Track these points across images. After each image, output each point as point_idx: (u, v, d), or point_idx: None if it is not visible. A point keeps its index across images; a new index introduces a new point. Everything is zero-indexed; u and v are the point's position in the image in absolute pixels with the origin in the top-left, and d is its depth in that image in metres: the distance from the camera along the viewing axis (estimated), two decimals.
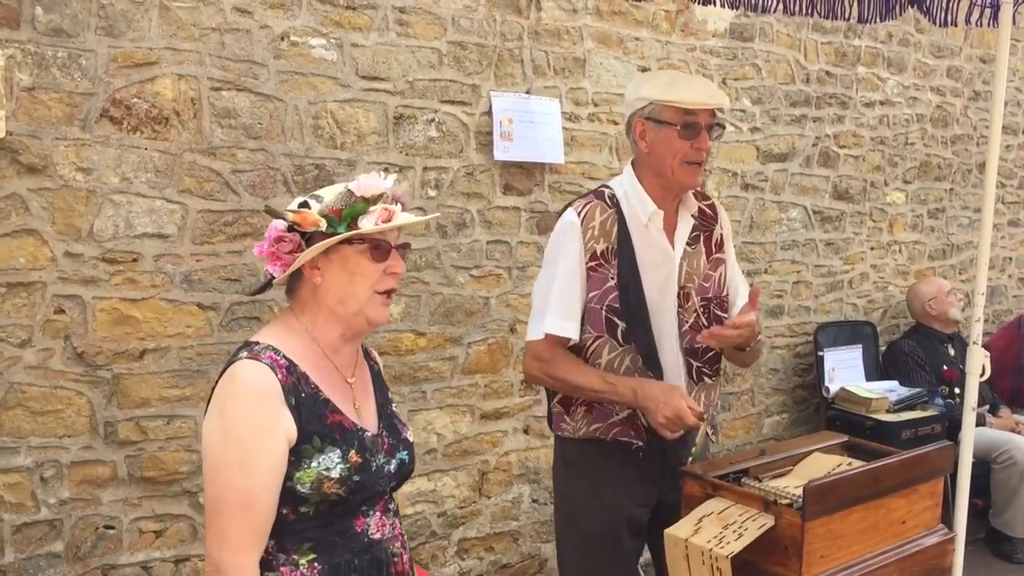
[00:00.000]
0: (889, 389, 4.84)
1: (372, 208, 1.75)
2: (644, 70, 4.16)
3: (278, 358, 1.72)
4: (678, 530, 2.06)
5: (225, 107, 3.11)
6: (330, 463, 1.70)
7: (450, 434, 3.74)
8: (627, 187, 2.48)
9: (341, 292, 1.77)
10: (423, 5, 3.51)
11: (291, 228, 1.76)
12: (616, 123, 4.09)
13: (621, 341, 2.43)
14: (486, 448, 3.87)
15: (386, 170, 1.89)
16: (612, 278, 2.42)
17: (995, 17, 2.86)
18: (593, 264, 2.41)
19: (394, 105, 3.47)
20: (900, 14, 3.10)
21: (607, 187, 2.52)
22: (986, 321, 5.75)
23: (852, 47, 5.05)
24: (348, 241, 1.75)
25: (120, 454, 3.00)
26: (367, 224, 1.73)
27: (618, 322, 2.43)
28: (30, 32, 2.76)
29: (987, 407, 5.04)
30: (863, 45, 5.10)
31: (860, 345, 5.16)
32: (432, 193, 3.60)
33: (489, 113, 3.70)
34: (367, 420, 1.84)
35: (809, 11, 3.11)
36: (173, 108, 3.01)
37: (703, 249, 2.54)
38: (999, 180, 5.88)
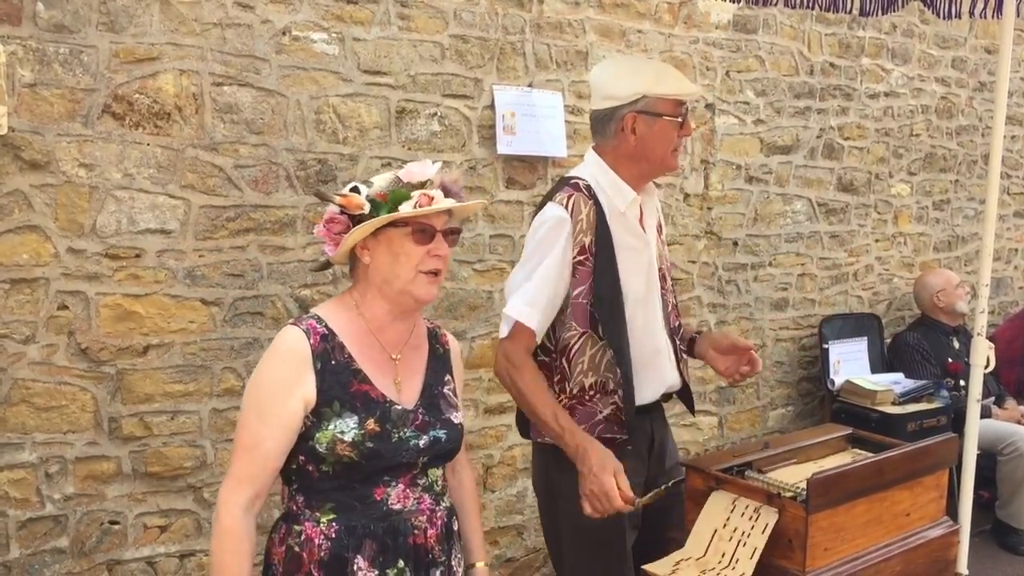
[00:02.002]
0: (894, 381, 4.83)
1: (414, 193, 1.88)
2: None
3: (318, 326, 1.89)
4: (657, 568, 2.04)
5: (227, 102, 3.11)
6: (345, 427, 1.83)
7: None
8: (599, 177, 2.44)
9: (387, 271, 1.90)
10: None
11: (342, 211, 1.92)
12: None
13: (602, 335, 2.39)
14: (490, 443, 3.87)
15: (442, 164, 1.96)
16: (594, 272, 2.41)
17: (999, 8, 2.84)
18: (580, 258, 2.37)
19: (396, 99, 3.47)
20: (902, 6, 3.09)
21: (578, 178, 2.46)
22: (991, 313, 5.74)
23: (856, 38, 5.03)
24: (394, 224, 1.88)
25: (124, 449, 3.01)
26: (406, 208, 1.86)
27: (598, 317, 2.40)
28: (31, 28, 2.76)
29: (992, 399, 5.03)
30: (867, 36, 5.08)
31: (865, 337, 5.14)
32: None
33: (492, 107, 3.69)
34: (406, 396, 1.95)
35: (811, 4, 3.10)
36: (175, 103, 3.01)
37: (657, 232, 2.61)
38: (1004, 171, 5.86)
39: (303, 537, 1.86)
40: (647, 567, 2.07)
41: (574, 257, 2.37)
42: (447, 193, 1.93)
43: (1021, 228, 6.25)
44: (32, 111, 2.78)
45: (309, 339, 1.86)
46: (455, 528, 2.05)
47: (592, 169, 2.48)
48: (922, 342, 5.03)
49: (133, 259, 2.98)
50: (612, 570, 2.43)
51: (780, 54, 4.70)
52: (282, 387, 1.83)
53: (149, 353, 3.03)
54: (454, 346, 2.15)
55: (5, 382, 2.82)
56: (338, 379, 1.87)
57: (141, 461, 3.04)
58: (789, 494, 2.03)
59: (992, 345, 2.88)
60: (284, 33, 3.20)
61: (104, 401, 2.97)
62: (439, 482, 2.00)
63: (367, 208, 1.88)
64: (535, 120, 3.78)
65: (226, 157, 3.11)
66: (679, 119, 2.42)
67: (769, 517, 1.93)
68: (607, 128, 2.46)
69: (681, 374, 2.58)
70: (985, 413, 4.59)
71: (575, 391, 2.40)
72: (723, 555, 1.99)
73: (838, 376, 4.89)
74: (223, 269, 3.14)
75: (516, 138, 3.74)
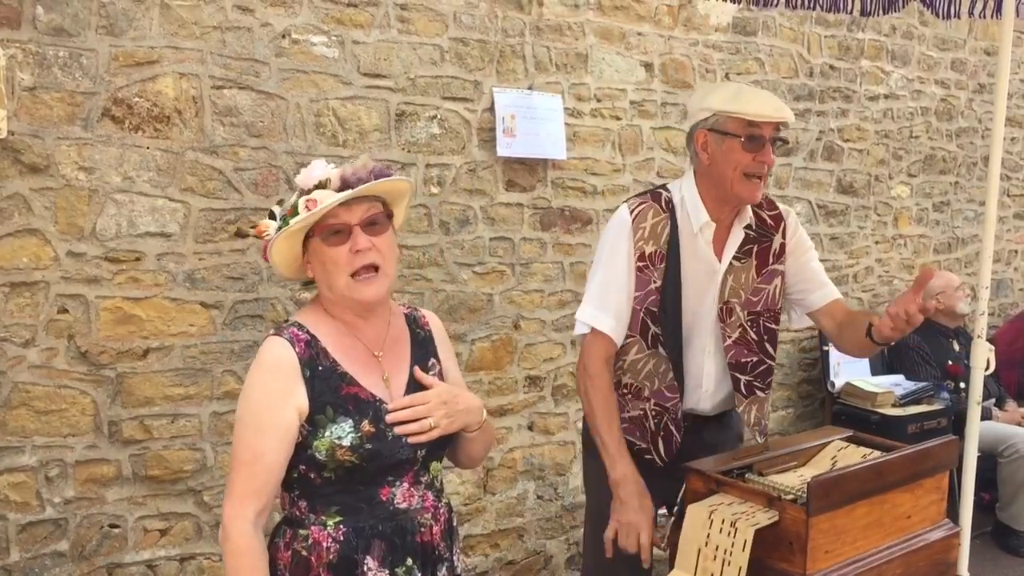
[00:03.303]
0: (895, 383, 4.83)
1: (300, 201, 1.83)
2: (647, 65, 4.15)
3: (300, 333, 1.86)
4: (702, 504, 2.05)
5: (227, 105, 3.11)
6: (342, 432, 1.81)
7: None
8: (685, 193, 2.45)
9: (324, 282, 1.88)
10: (424, 2, 3.50)
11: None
12: (618, 118, 4.08)
13: (649, 344, 2.45)
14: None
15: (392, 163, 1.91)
16: (655, 281, 2.42)
17: (998, 9, 2.85)
18: (640, 265, 2.41)
19: (396, 102, 3.47)
20: (903, 7, 3.09)
21: (666, 190, 2.50)
22: (991, 315, 5.74)
23: (856, 40, 5.03)
24: (312, 234, 1.85)
25: (124, 453, 3.01)
26: (297, 219, 1.82)
27: (651, 325, 2.43)
28: (31, 32, 2.76)
29: (993, 401, 5.03)
30: (867, 38, 5.08)
31: None
32: (435, 190, 3.59)
33: (491, 109, 3.69)
34: (396, 390, 1.92)
35: (811, 5, 3.10)
36: (175, 107, 3.01)
37: (754, 262, 2.50)
38: (1004, 173, 5.87)
39: (310, 541, 1.84)
40: (693, 505, 2.07)
41: (636, 262, 2.41)
42: (345, 185, 1.83)
43: (1021, 230, 6.25)
44: (32, 114, 2.78)
45: (294, 347, 1.83)
46: (455, 524, 2.05)
47: (683, 184, 2.49)
48: (922, 344, 5.03)
49: (133, 262, 2.98)
50: (614, 556, 2.49)
51: (780, 56, 4.70)
52: (275, 399, 1.81)
53: (149, 356, 3.03)
54: (434, 323, 2.10)
55: (5, 385, 2.82)
56: (328, 384, 1.84)
57: (141, 464, 3.04)
58: (790, 497, 2.02)
59: (992, 347, 2.88)
60: (284, 36, 3.20)
61: (104, 404, 2.97)
62: (439, 478, 2.00)
63: (272, 229, 1.86)
64: (535, 122, 3.78)
65: (226, 160, 3.11)
66: (749, 140, 2.32)
67: (747, 533, 1.92)
68: (689, 148, 2.47)
69: (717, 407, 2.56)
70: (986, 415, 4.58)
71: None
72: (711, 575, 1.99)
73: (838, 378, 4.89)
74: (223, 272, 3.13)
75: (516, 140, 3.74)
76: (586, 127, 4.00)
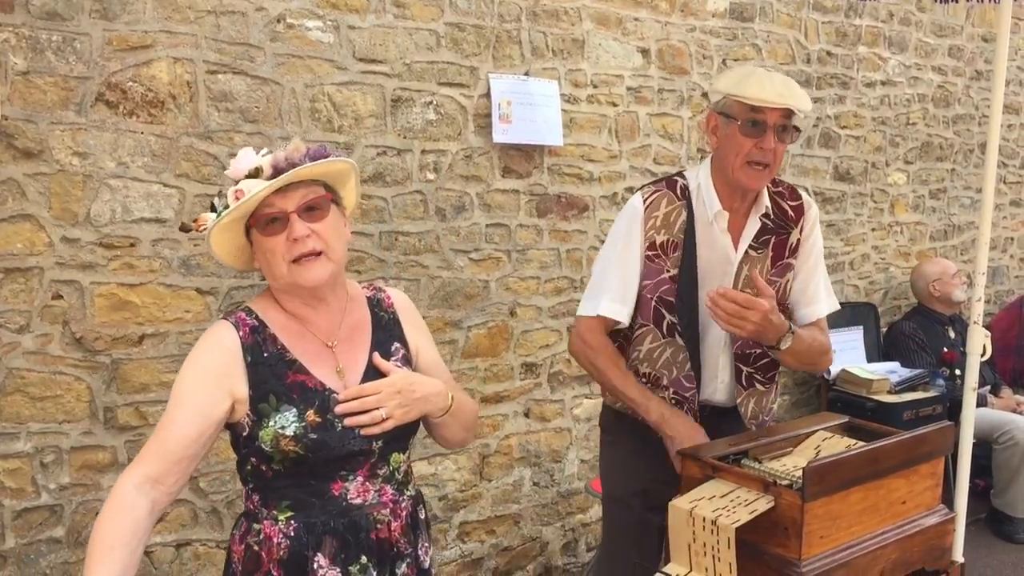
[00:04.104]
0: (890, 370, 4.84)
1: (228, 191, 1.77)
2: (643, 51, 4.14)
3: (248, 319, 1.82)
4: (682, 502, 2.05)
5: (221, 90, 3.09)
6: (285, 421, 1.75)
7: None
8: (701, 180, 2.43)
9: (268, 272, 1.82)
10: None
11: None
12: (615, 105, 4.07)
13: (665, 333, 2.44)
14: (487, 432, 3.87)
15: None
16: (668, 270, 2.41)
17: None
18: (651, 254, 2.41)
19: (392, 88, 3.45)
20: None
21: (682, 177, 2.47)
22: (987, 302, 5.75)
23: (853, 27, 5.02)
24: (252, 224, 1.80)
25: (120, 439, 3.00)
26: (226, 211, 1.76)
27: (666, 314, 2.43)
28: (24, 15, 2.74)
29: (988, 387, 5.05)
30: (864, 24, 5.07)
31: (861, 326, 5.15)
32: (431, 176, 3.58)
33: (488, 95, 3.68)
34: (351, 381, 1.85)
35: None
36: (169, 92, 2.99)
37: (770, 253, 2.46)
38: (1001, 160, 5.86)
39: (262, 536, 1.80)
40: (674, 502, 2.07)
41: (646, 250, 2.40)
42: (277, 172, 1.76)
43: (1017, 217, 6.26)
44: (25, 99, 2.77)
45: (238, 331, 1.79)
46: (422, 516, 1.97)
47: (700, 171, 2.46)
48: (918, 331, 5.04)
49: (128, 248, 2.97)
50: (620, 529, 2.54)
51: (777, 42, 4.69)
52: (203, 375, 1.76)
53: (144, 342, 3.02)
54: (401, 303, 2.02)
55: (0, 371, 2.81)
56: (272, 371, 1.78)
57: (136, 451, 3.01)
58: (785, 482, 2.03)
59: (988, 334, 2.88)
60: (279, 21, 3.18)
61: (99, 391, 2.96)
62: (401, 469, 1.91)
63: (210, 222, 1.79)
64: (531, 109, 3.77)
65: (221, 146, 3.10)
66: (749, 125, 2.27)
67: (728, 531, 1.92)
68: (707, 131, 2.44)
69: (734, 398, 2.53)
70: (981, 402, 4.61)
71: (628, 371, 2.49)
72: (706, 569, 2.00)
73: (834, 365, 4.89)
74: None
75: (512, 127, 3.72)
76: (583, 113, 3.99)
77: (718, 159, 2.39)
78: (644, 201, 2.42)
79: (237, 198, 1.74)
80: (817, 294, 2.54)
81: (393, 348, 1.94)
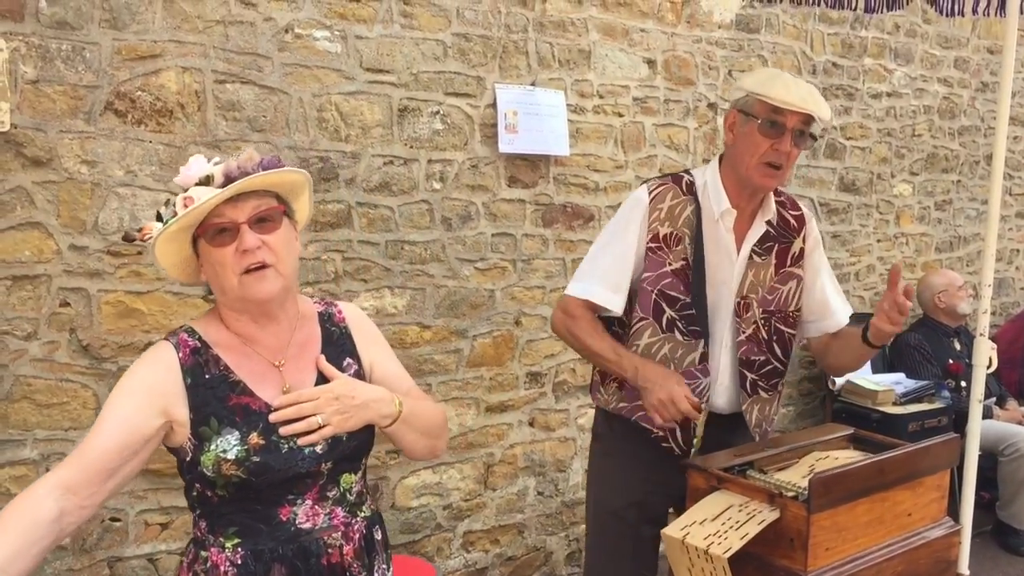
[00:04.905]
0: (895, 382, 4.83)
1: (175, 200, 1.68)
2: (650, 62, 4.15)
3: (189, 339, 1.75)
4: (673, 530, 2.05)
5: (229, 100, 3.10)
6: (227, 445, 1.68)
7: (455, 427, 3.74)
8: (708, 178, 2.44)
9: (216, 285, 1.74)
10: None
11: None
12: (621, 115, 4.08)
13: (665, 328, 2.42)
14: (491, 441, 3.87)
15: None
16: (670, 264, 2.40)
17: (1002, 7, 2.84)
18: (653, 246, 2.40)
19: (399, 97, 3.47)
20: (907, 3, 3.09)
21: (688, 174, 2.49)
22: (993, 313, 5.74)
23: (859, 38, 5.03)
24: (200, 235, 1.71)
25: None
26: (172, 220, 1.67)
27: (666, 308, 2.41)
28: (34, 25, 2.76)
29: (994, 399, 5.03)
30: (870, 36, 5.08)
31: None
32: (437, 186, 3.59)
33: (494, 105, 3.69)
34: None
35: (815, 1, 3.10)
36: (177, 101, 3.01)
37: (773, 260, 2.48)
38: (1006, 172, 5.86)
39: (209, 564, 1.72)
40: (665, 530, 2.06)
41: (648, 243, 2.40)
42: (228, 180, 1.68)
43: (1023, 229, 6.25)
44: (35, 108, 2.78)
45: (178, 352, 1.72)
46: (378, 538, 1.90)
47: (708, 169, 2.48)
48: (923, 343, 5.03)
49: (135, 256, 2.98)
50: (610, 542, 2.51)
51: (783, 53, 4.70)
52: (134, 389, 1.70)
53: None
54: (353, 317, 1.94)
55: (7, 379, 2.82)
56: (214, 393, 1.71)
57: None
58: (791, 494, 2.03)
59: (994, 345, 2.88)
60: (287, 31, 3.20)
61: (105, 398, 2.95)
62: (354, 490, 1.83)
63: (155, 231, 1.69)
64: (537, 119, 3.78)
65: (228, 154, 3.10)
66: (769, 125, 2.29)
67: (722, 561, 1.91)
68: (724, 127, 2.47)
69: (736, 404, 2.52)
70: (986, 414, 4.59)
71: None
72: (729, 519, 1.99)
73: (839, 376, 4.89)
74: None
75: (518, 137, 3.74)
76: (589, 124, 4.00)
77: (732, 156, 2.40)
78: (650, 193, 2.42)
79: (186, 205, 1.65)
80: (836, 304, 2.60)
81: (345, 364, 1.87)
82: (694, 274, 2.40)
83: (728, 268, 2.44)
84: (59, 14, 2.79)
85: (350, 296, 3.40)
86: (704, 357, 2.43)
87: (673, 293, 2.41)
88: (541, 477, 4.03)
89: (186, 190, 1.69)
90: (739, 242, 2.44)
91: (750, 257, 2.45)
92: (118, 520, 3.03)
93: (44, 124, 2.80)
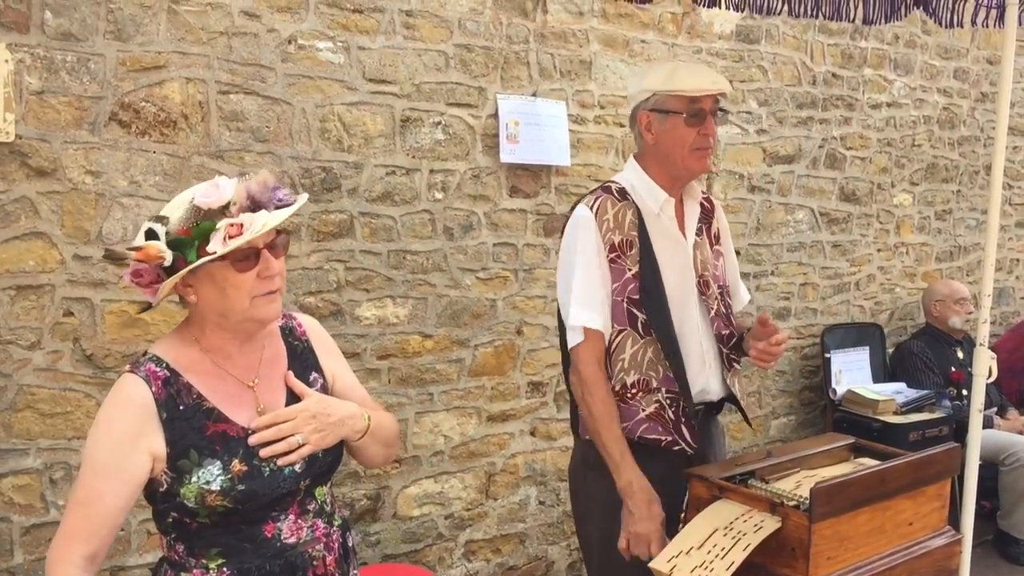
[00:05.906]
0: (896, 391, 4.83)
1: (220, 224, 1.63)
2: None
3: (158, 370, 1.70)
4: (660, 563, 2.05)
5: (233, 110, 3.12)
6: (210, 476, 1.66)
7: (457, 436, 3.75)
8: (633, 180, 2.49)
9: (219, 306, 1.70)
10: (429, 8, 3.52)
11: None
12: (622, 125, 4.10)
13: (642, 333, 2.42)
14: (493, 450, 3.87)
15: (242, 173, 1.78)
16: (630, 269, 2.42)
17: (1001, 18, 2.86)
18: (612, 256, 2.42)
19: (401, 108, 3.48)
20: (905, 15, 3.11)
21: (612, 182, 2.54)
22: (993, 323, 5.75)
23: (859, 49, 5.05)
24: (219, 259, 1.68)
25: None
26: (216, 244, 1.62)
27: (638, 314, 2.42)
28: (39, 36, 2.78)
29: (995, 409, 5.03)
30: (869, 47, 5.10)
31: (867, 347, 5.15)
32: (439, 195, 3.60)
33: (495, 115, 3.71)
34: None
35: (814, 13, 3.11)
36: (181, 111, 3.02)
37: (707, 240, 2.58)
38: (1006, 182, 5.87)
39: None
40: (652, 564, 2.07)
41: (608, 254, 2.42)
42: (257, 204, 1.68)
43: (1022, 239, 6.26)
44: (39, 118, 2.80)
45: (150, 387, 1.67)
46: (350, 544, 1.92)
47: (628, 174, 2.53)
48: (926, 350, 5.03)
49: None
50: (624, 568, 2.44)
51: (783, 64, 4.72)
52: (121, 440, 1.65)
53: None
54: (312, 330, 1.94)
55: (10, 388, 2.83)
56: (190, 424, 1.68)
57: None
58: (792, 503, 2.03)
59: (994, 355, 2.88)
60: (290, 42, 3.22)
61: None
62: (327, 500, 1.86)
63: (169, 256, 1.65)
64: (539, 129, 3.80)
65: (232, 165, 3.12)
66: (691, 116, 2.37)
67: (771, 525, 1.93)
68: (633, 130, 2.52)
69: (727, 383, 2.55)
70: (987, 423, 4.60)
71: (617, 388, 2.42)
72: (715, 546, 1.99)
73: (840, 386, 4.90)
74: None
75: (520, 147, 3.75)
76: (590, 134, 4.02)
77: (658, 154, 2.45)
78: (591, 208, 2.44)
79: (232, 236, 1.62)
80: (740, 285, 2.75)
81: (311, 378, 1.87)
82: (647, 273, 2.41)
83: (684, 254, 2.49)
84: (64, 26, 2.81)
85: (353, 306, 3.41)
86: (675, 351, 2.41)
87: (638, 297, 2.42)
88: (543, 486, 4.03)
89: (225, 208, 1.65)
90: (682, 227, 2.51)
91: (694, 238, 2.53)
92: (121, 530, 3.02)
93: (49, 135, 2.82)
